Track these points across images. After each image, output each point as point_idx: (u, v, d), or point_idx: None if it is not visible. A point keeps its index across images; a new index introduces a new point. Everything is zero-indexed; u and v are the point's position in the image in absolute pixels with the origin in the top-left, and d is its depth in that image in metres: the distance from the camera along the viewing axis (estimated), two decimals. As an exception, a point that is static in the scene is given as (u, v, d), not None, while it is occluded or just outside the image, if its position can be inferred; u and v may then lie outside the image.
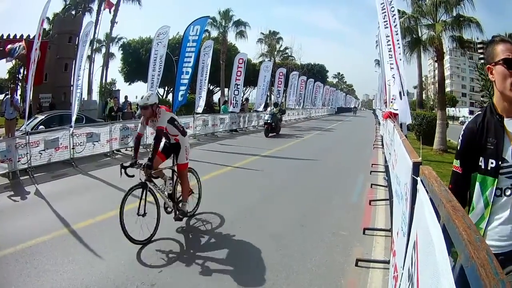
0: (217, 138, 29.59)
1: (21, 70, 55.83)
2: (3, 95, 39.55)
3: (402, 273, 3.08)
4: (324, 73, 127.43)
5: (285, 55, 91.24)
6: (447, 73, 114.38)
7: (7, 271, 6.79)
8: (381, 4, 10.65)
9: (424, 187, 2.71)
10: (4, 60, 38.36)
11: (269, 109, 33.72)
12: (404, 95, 6.16)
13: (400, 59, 9.44)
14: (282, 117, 36.25)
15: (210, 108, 38.25)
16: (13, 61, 42.05)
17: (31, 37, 37.84)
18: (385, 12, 10.95)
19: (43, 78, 43.84)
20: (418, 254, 2.25)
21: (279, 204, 11.32)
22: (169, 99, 46.29)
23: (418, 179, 3.04)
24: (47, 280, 6.45)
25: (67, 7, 61.27)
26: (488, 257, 1.44)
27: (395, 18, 10.34)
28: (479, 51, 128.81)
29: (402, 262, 3.18)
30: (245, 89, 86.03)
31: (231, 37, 66.20)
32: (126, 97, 33.09)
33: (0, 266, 6.96)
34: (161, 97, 36.18)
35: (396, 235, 4.33)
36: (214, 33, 65.24)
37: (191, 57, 25.32)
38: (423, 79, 52.85)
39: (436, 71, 28.10)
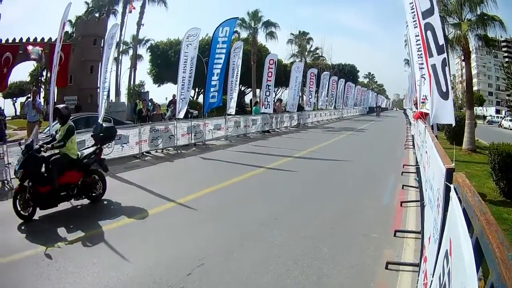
0: (249, 139, 29.59)
1: (44, 73, 56.35)
2: (25, 98, 40.02)
3: (432, 281, 3.04)
4: (355, 73, 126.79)
5: (316, 55, 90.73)
6: (474, 72, 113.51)
7: (26, 273, 6.82)
8: (410, 3, 10.56)
9: (458, 195, 2.67)
10: (25, 63, 38.69)
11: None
12: (445, 95, 6.10)
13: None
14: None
15: (241, 109, 38.20)
16: (35, 64, 42.40)
17: (52, 40, 38.14)
18: (414, 11, 10.86)
19: (67, 81, 44.18)
20: (450, 264, 2.22)
21: (310, 206, 11.25)
22: (200, 102, 46.28)
23: (452, 186, 2.99)
24: (69, 282, 6.47)
25: (90, 9, 61.76)
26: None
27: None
28: (503, 49, 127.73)
29: (432, 269, 3.14)
30: (277, 90, 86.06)
31: (261, 38, 65.70)
32: (151, 100, 33.04)
33: (20, 269, 7.01)
34: (191, 99, 36.22)
35: (427, 241, 4.28)
36: (244, 34, 65.01)
37: (221, 58, 25.63)
38: (451, 78, 52.69)
39: (463, 70, 27.83)
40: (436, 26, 5.97)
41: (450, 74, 5.44)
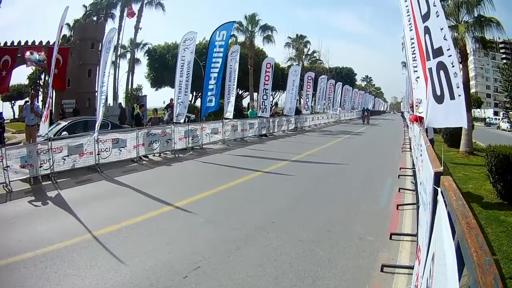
0: (247, 143, 29.67)
1: (42, 76, 56.37)
2: (24, 101, 40.04)
3: (421, 283, 3.07)
4: (352, 76, 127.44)
5: (313, 58, 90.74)
6: (471, 74, 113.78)
7: (25, 275, 6.87)
8: (406, 6, 10.58)
9: (444, 199, 2.69)
10: (24, 66, 38.62)
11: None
12: (439, 99, 6.10)
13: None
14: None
15: (239, 113, 38.26)
16: (33, 67, 42.33)
17: (51, 43, 38.10)
18: (409, 14, 10.88)
19: (65, 84, 44.02)
20: (435, 267, 2.24)
21: (307, 209, 11.30)
22: (197, 106, 46.22)
23: (439, 189, 3.01)
24: (68, 284, 6.53)
25: (88, 13, 61.87)
26: (494, 284, 1.43)
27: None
28: (501, 51, 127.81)
29: (422, 271, 3.17)
30: (274, 94, 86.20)
31: (258, 41, 65.79)
32: (141, 105, 32.71)
33: (19, 271, 7.05)
34: (189, 103, 36.23)
35: (422, 243, 4.31)
36: (241, 38, 64.93)
37: (218, 62, 25.72)
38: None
39: (461, 73, 27.78)
40: (433, 29, 5.99)
41: (458, 76, 5.39)
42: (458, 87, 5.35)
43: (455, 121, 5.82)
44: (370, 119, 68.24)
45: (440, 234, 2.23)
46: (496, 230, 9.42)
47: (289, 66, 63.99)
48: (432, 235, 2.85)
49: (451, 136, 27.12)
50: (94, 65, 46.64)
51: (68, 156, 16.04)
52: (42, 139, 16.17)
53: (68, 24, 58.83)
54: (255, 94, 58.14)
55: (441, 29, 5.57)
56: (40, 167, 14.95)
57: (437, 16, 5.64)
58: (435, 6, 5.64)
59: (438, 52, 5.67)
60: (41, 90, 54.87)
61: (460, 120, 5.59)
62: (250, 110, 37.66)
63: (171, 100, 26.77)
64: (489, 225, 9.77)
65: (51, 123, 19.28)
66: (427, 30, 6.11)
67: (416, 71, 10.16)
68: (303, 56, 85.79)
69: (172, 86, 25.15)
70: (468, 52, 25.92)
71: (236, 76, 29.90)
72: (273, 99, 73.15)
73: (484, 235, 8.71)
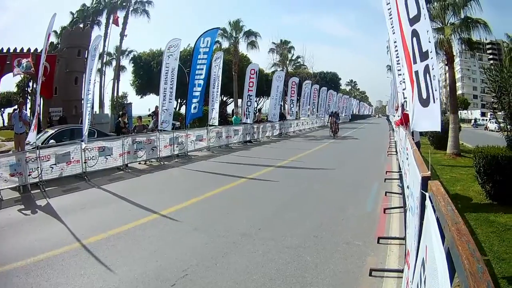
0: (231, 149, 29.67)
1: (30, 84, 56.24)
2: (12, 109, 39.93)
3: (411, 288, 3.05)
4: (337, 81, 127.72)
5: (297, 64, 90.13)
6: (457, 75, 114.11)
7: (17, 284, 6.86)
8: (388, 9, 10.58)
9: (432, 204, 2.66)
10: (12, 74, 38.42)
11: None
12: (427, 102, 6.06)
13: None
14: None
15: (224, 119, 38.23)
16: (21, 75, 42.11)
17: (38, 50, 37.96)
18: (392, 17, 10.88)
19: (52, 92, 43.90)
20: (426, 273, 2.22)
21: (293, 215, 11.25)
22: (182, 113, 46.14)
23: (427, 194, 2.97)
24: (59, 292, 6.48)
25: (74, 20, 61.74)
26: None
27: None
28: (488, 51, 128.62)
29: (412, 276, 3.15)
30: (259, 100, 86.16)
31: (242, 47, 65.50)
32: (123, 114, 32.40)
33: (10, 279, 7.04)
34: (174, 110, 36.10)
35: (410, 247, 4.29)
36: (226, 44, 64.69)
37: (202, 69, 25.70)
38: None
39: (447, 75, 27.78)
40: (421, 32, 5.98)
41: (435, 80, 5.35)
42: (435, 90, 5.35)
43: (432, 125, 5.82)
44: (355, 122, 65.96)
45: (430, 240, 2.20)
46: (486, 230, 9.44)
47: (273, 72, 64.38)
48: (421, 241, 2.82)
49: (438, 138, 27.29)
50: (80, 73, 46.61)
51: (55, 164, 16.00)
52: (30, 147, 16.10)
53: (55, 32, 58.64)
54: (239, 101, 57.82)
55: (427, 31, 5.57)
56: (29, 175, 14.91)
57: (425, 18, 5.64)
58: (423, 8, 5.64)
59: (425, 55, 5.66)
60: (30, 98, 54.71)
61: (435, 124, 5.58)
62: (234, 116, 37.45)
63: (156, 107, 26.71)
64: (479, 226, 9.79)
65: (39, 131, 19.19)
66: (415, 33, 6.09)
67: (400, 74, 10.19)
68: (287, 62, 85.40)
69: (157, 94, 25.18)
70: (455, 54, 25.98)
71: (220, 83, 29.93)
72: (257, 105, 72.97)
73: (474, 236, 8.74)
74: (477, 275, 1.49)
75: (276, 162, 21.01)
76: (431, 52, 5.41)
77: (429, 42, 5.47)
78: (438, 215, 2.36)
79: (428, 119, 5.75)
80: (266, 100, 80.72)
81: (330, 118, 44.40)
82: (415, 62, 6.07)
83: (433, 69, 5.40)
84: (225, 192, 14.42)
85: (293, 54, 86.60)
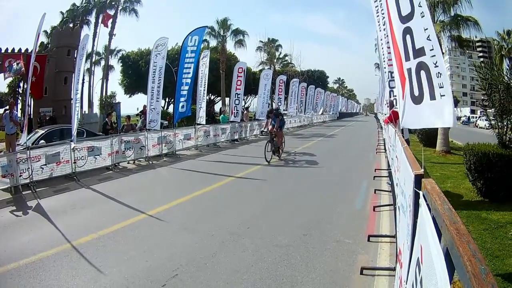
0: (219, 148, 29.71)
1: (21, 84, 56.04)
2: (3, 110, 39.73)
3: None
4: (325, 79, 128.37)
5: (285, 62, 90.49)
6: (447, 73, 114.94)
7: (12, 286, 6.86)
8: (376, 7, 10.59)
9: (427, 203, 2.63)
10: (2, 75, 38.26)
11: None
12: (416, 100, 6.00)
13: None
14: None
15: (211, 118, 38.12)
16: (12, 77, 41.93)
17: (29, 50, 37.79)
18: (379, 15, 10.89)
19: (42, 92, 43.80)
20: (422, 273, 2.19)
21: (282, 213, 11.25)
22: (170, 112, 45.97)
23: (421, 193, 2.94)
24: (52, 294, 6.47)
25: (64, 20, 61.48)
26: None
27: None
28: (478, 49, 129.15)
29: (406, 276, 3.12)
30: (246, 98, 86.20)
31: (230, 46, 66.07)
32: (110, 113, 32.32)
33: (5, 281, 7.03)
34: (162, 109, 35.83)
35: (402, 246, 4.26)
36: (213, 42, 65.00)
37: (190, 68, 25.65)
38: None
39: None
40: (416, 30, 5.94)
41: (442, 77, 5.28)
42: (441, 87, 5.29)
43: (437, 121, 5.76)
44: (343, 120, 65.13)
45: (425, 240, 2.17)
46: (479, 228, 9.45)
47: (260, 70, 64.43)
48: (415, 240, 2.79)
49: (427, 135, 27.48)
50: (70, 73, 46.51)
51: (46, 165, 15.92)
52: (21, 148, 16.04)
53: (45, 31, 58.44)
54: (227, 99, 57.97)
55: (425, 29, 5.52)
56: (20, 176, 14.86)
57: (422, 16, 5.59)
58: (420, 6, 5.59)
59: (419, 52, 5.63)
60: (20, 98, 54.49)
61: (445, 120, 5.52)
62: (222, 115, 37.47)
63: (144, 106, 26.62)
64: (471, 223, 9.80)
65: (29, 131, 19.13)
66: (408, 31, 6.05)
67: (386, 71, 10.18)
68: (275, 60, 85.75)
69: (145, 93, 25.00)
70: (444, 51, 26.03)
71: (207, 81, 29.99)
72: (245, 103, 73.01)
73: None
74: (480, 277, 1.45)
75: (264, 160, 20.85)
76: (431, 50, 5.37)
77: (429, 39, 5.43)
78: (434, 214, 2.33)
79: (434, 116, 5.69)
80: (254, 99, 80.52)
81: (268, 114, 24.53)
82: (407, 60, 6.03)
83: (436, 66, 5.36)
84: (213, 191, 14.43)
85: (280, 52, 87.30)
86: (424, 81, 5.51)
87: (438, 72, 5.29)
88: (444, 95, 5.28)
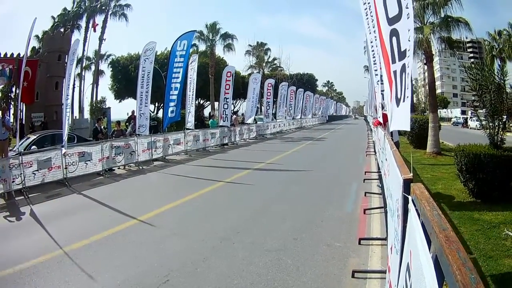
0: (209, 153, 29.60)
1: (13, 89, 55.90)
2: (-5, 115, 39.64)
3: (396, 293, 3.02)
4: (314, 82, 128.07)
5: (274, 66, 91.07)
6: (437, 74, 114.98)
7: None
8: (365, 9, 10.61)
9: (416, 208, 2.62)
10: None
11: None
12: (400, 101, 5.99)
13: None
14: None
15: (201, 123, 38.12)
16: (5, 81, 41.84)
17: (21, 55, 37.70)
18: (368, 17, 10.90)
19: (34, 97, 43.70)
20: (412, 279, 2.19)
21: (272, 218, 11.23)
22: (159, 116, 45.93)
23: (410, 198, 2.92)
24: (45, 301, 6.46)
25: (55, 24, 61.36)
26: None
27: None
28: (469, 50, 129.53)
29: (396, 281, 3.12)
30: (235, 102, 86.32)
31: (219, 50, 66.11)
32: (100, 118, 32.32)
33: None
34: (151, 113, 35.88)
35: (390, 251, 4.27)
36: (202, 47, 64.78)
37: (179, 72, 25.68)
38: (413, 82, 52.98)
39: (426, 74, 27.90)
40: (401, 31, 5.95)
41: (408, 78, 5.29)
42: (407, 88, 5.32)
43: (401, 124, 5.79)
44: (332, 123, 65.45)
45: (415, 246, 2.16)
46: (471, 228, 9.50)
47: (249, 74, 63.88)
48: (405, 245, 2.78)
49: (417, 137, 27.59)
50: (61, 78, 46.35)
51: (37, 170, 15.90)
52: (13, 154, 16.02)
53: (37, 36, 58.34)
54: (216, 103, 58.06)
55: (408, 31, 5.54)
56: (13, 182, 14.84)
57: (408, 18, 5.61)
58: (407, 8, 5.59)
59: (403, 54, 5.65)
60: (12, 103, 54.36)
61: (405, 123, 5.55)
62: (211, 120, 37.54)
63: (133, 112, 26.67)
64: (463, 224, 9.85)
65: (21, 137, 19.08)
66: (394, 33, 6.05)
67: (377, 74, 10.20)
68: (264, 64, 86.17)
69: (135, 98, 24.97)
70: (434, 53, 26.10)
71: (195, 86, 29.94)
72: (234, 107, 73.03)
73: (459, 235, 8.75)
74: (470, 287, 1.45)
75: (253, 165, 21.03)
76: (408, 50, 5.39)
77: (409, 40, 5.44)
78: (423, 220, 2.33)
79: (400, 119, 5.73)
80: (243, 103, 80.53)
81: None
82: (394, 62, 6.04)
83: (408, 67, 5.39)
84: (203, 196, 14.42)
85: (269, 56, 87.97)
86: (404, 83, 5.54)
87: (408, 73, 5.32)
88: (408, 97, 5.31)
